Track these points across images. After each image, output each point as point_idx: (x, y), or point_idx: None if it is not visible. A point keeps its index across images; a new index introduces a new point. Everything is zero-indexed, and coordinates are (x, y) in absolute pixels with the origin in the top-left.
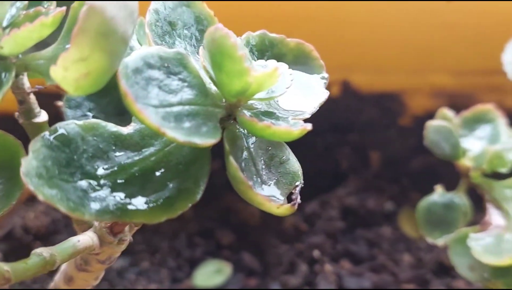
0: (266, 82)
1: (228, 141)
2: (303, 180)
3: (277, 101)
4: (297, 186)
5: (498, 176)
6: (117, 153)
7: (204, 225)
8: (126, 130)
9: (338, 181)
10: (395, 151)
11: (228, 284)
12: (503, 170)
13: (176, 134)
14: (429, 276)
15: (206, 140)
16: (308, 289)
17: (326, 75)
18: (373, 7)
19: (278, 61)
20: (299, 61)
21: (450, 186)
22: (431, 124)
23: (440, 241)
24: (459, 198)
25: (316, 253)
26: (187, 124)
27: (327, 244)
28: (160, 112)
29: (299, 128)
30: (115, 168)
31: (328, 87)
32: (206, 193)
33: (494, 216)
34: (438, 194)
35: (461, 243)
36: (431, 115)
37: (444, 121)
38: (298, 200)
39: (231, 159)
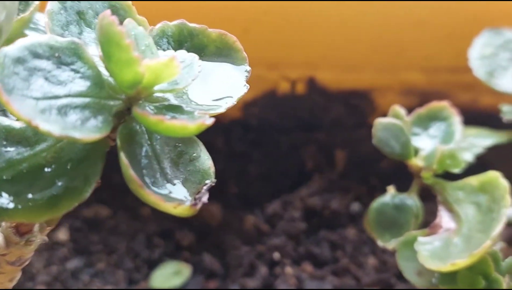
0: (164, 73)
1: (122, 136)
2: (268, 179)
3: (188, 94)
4: (206, 184)
5: (452, 176)
6: (8, 149)
7: (163, 225)
8: (18, 124)
9: (302, 181)
10: (364, 151)
11: (186, 286)
12: (456, 170)
13: (51, 127)
14: (393, 280)
15: (88, 135)
16: None
17: (248, 68)
18: (340, 3)
19: (198, 53)
20: (222, 52)
21: None
22: (380, 121)
23: (390, 245)
24: (411, 199)
25: (276, 255)
26: (72, 117)
27: (288, 246)
28: (41, 104)
29: (196, 123)
30: (3, 164)
31: (292, 84)
32: None
33: (445, 218)
34: (390, 195)
35: (409, 247)
36: None
37: (394, 118)
38: (204, 200)
39: (122, 156)
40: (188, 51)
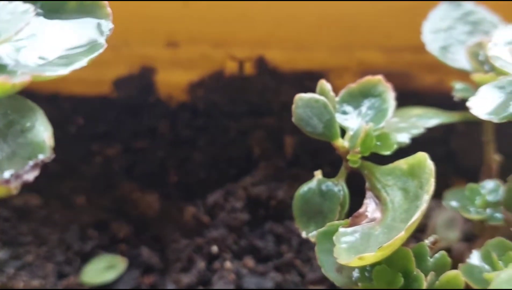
0: None
1: None
2: (212, 167)
3: (26, 53)
4: (36, 160)
5: (383, 160)
6: None
7: (98, 216)
8: None
9: (250, 169)
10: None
11: (119, 282)
12: (386, 153)
13: None
14: None
15: None
16: (202, 289)
17: (110, 25)
18: None
19: (58, 9)
20: (84, 9)
21: None
22: (301, 97)
23: (314, 237)
24: (337, 185)
25: (215, 248)
26: None
27: (229, 239)
28: None
29: (10, 81)
30: None
31: (240, 64)
32: (101, 181)
33: (371, 207)
34: (316, 181)
35: (329, 238)
36: None
37: (317, 94)
38: (27, 178)
39: None
40: (43, 6)
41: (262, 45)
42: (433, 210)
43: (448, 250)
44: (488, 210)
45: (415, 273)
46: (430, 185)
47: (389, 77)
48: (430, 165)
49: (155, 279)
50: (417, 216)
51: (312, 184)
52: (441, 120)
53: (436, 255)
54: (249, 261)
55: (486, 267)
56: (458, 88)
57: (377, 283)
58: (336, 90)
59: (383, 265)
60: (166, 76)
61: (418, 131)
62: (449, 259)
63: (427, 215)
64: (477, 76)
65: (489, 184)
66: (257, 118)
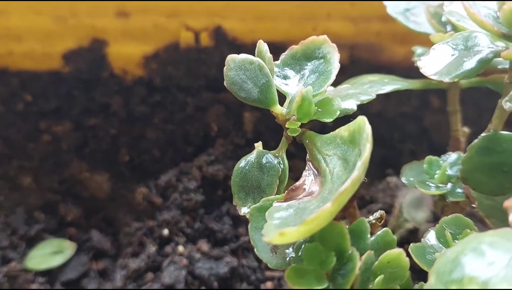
0: None
1: None
2: (167, 145)
3: None
4: None
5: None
6: None
7: (46, 198)
8: None
9: (207, 147)
10: None
11: (66, 268)
12: (328, 120)
13: None
14: None
15: None
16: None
17: None
18: None
19: None
20: None
21: None
22: (233, 58)
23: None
24: (278, 158)
25: (166, 232)
26: None
27: (182, 222)
28: None
29: None
30: None
31: (196, 35)
32: (49, 161)
33: (309, 179)
34: (256, 153)
35: (264, 215)
36: None
37: (252, 56)
38: None
39: None
40: None
41: (220, 14)
42: (400, 189)
43: (415, 231)
44: (450, 185)
45: (350, 252)
46: (366, 151)
47: (358, 49)
48: (368, 129)
49: (105, 265)
50: (346, 185)
51: (251, 157)
52: (396, 86)
53: (379, 232)
54: (204, 245)
55: (441, 246)
56: (418, 52)
57: (307, 263)
58: None
59: (314, 243)
60: (118, 49)
61: (368, 97)
62: (393, 238)
63: (393, 195)
64: (435, 37)
65: (451, 157)
66: (215, 93)
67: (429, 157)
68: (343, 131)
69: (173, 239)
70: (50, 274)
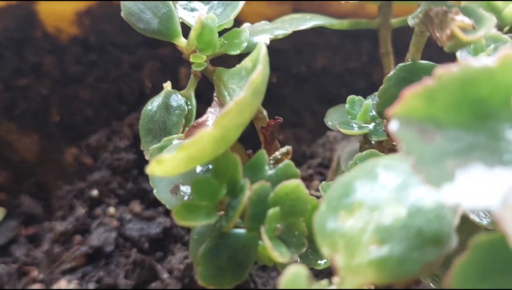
0: None
1: None
2: (100, 104)
3: None
4: None
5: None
6: None
7: None
8: None
9: (139, 105)
10: None
11: None
12: (234, 52)
13: None
14: None
15: None
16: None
17: None
18: None
19: None
20: None
21: None
22: None
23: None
24: (183, 97)
25: (95, 193)
26: None
27: (114, 183)
28: None
29: None
30: None
31: None
32: None
33: (213, 115)
34: (164, 94)
35: None
36: None
37: None
38: None
39: None
40: None
41: None
42: (339, 142)
43: None
44: (372, 125)
45: (241, 182)
46: (255, 72)
47: (302, 3)
48: (262, 51)
49: (35, 230)
50: (229, 107)
51: (159, 98)
52: (318, 22)
53: (280, 165)
54: (136, 206)
55: None
56: None
57: (197, 198)
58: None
59: (204, 177)
60: (49, 6)
61: (283, 32)
62: (297, 171)
63: (331, 148)
64: None
65: (376, 97)
66: (152, 49)
67: (351, 97)
68: (247, 61)
69: (104, 201)
70: None
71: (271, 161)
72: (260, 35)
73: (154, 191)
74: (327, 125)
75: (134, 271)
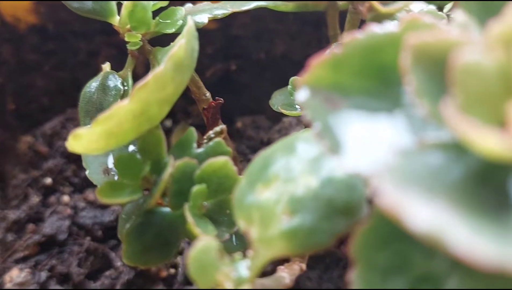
0: None
1: None
2: (56, 93)
3: None
4: None
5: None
6: None
7: None
8: None
9: None
10: None
11: None
12: (170, 30)
13: None
14: None
15: None
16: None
17: None
18: None
19: None
20: None
21: None
22: None
23: None
24: (120, 78)
25: (49, 181)
26: None
27: (68, 171)
28: None
29: None
30: None
31: None
32: None
33: None
34: (102, 76)
35: None
36: None
37: None
38: None
39: None
40: None
41: None
42: (293, 127)
43: None
44: None
45: (165, 159)
46: (175, 46)
47: None
48: (188, 26)
49: None
50: (146, 80)
51: (97, 79)
52: (261, 3)
53: (210, 143)
54: (91, 194)
55: None
56: None
57: (121, 175)
58: None
59: (128, 154)
60: None
61: (223, 11)
62: (227, 149)
63: (286, 134)
64: None
65: None
66: (109, 36)
67: (293, 78)
68: (179, 38)
69: (58, 189)
70: None
71: (205, 141)
72: (199, 15)
73: (87, 172)
74: (271, 106)
75: (88, 259)
